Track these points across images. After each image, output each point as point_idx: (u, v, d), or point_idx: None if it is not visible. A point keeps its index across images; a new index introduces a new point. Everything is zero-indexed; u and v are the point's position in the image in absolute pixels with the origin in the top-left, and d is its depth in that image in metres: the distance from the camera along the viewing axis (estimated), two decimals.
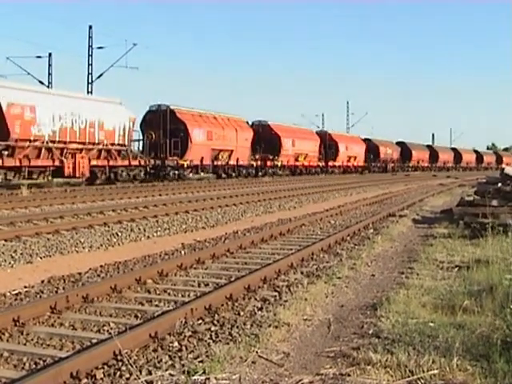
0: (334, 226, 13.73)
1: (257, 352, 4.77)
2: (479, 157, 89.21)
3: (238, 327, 5.49)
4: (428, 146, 76.44)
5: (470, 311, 5.70)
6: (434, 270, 8.17)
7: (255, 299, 6.62)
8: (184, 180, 30.50)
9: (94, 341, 5.05)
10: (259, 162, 39.28)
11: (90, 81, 39.18)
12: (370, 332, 5.34)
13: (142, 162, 28.31)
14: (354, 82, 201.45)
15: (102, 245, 10.57)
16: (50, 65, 39.17)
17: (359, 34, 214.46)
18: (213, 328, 5.48)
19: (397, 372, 4.25)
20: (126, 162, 27.20)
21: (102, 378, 4.25)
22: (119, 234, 11.51)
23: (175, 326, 5.33)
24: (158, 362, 4.57)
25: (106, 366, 4.43)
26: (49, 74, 39.15)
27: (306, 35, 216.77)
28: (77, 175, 24.15)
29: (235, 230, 12.73)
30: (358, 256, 9.25)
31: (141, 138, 30.65)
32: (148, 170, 28.74)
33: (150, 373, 4.34)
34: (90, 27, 39.52)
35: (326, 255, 9.54)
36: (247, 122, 40.01)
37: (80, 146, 24.60)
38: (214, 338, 5.20)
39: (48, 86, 37.14)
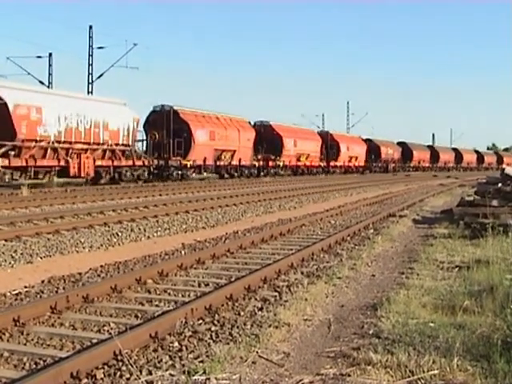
0: (334, 226, 13.73)
1: (257, 352, 4.77)
2: (480, 157, 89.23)
3: (238, 327, 5.49)
4: (429, 147, 76.47)
5: (470, 311, 5.70)
6: (435, 271, 8.17)
7: (255, 299, 6.62)
8: (186, 180, 30.51)
9: (95, 341, 5.05)
10: (261, 162, 39.29)
11: (90, 81, 39.31)
12: (371, 332, 5.34)
13: (146, 162, 28.38)
14: (354, 82, 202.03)
15: (102, 245, 10.57)
16: (50, 65, 39.33)
17: (359, 34, 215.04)
18: (213, 328, 5.47)
19: (397, 372, 4.25)
20: (130, 162, 27.29)
21: (102, 378, 4.24)
22: (119, 233, 11.52)
23: (175, 326, 5.33)
24: (159, 362, 4.57)
25: (106, 366, 4.43)
26: (49, 74, 39.30)
27: (306, 35, 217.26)
28: (82, 175, 24.28)
29: (235, 230, 12.72)
30: (359, 256, 9.24)
31: (144, 138, 30.73)
32: (151, 170, 28.79)
33: (150, 373, 4.34)
34: (91, 27, 39.69)
35: (326, 255, 9.54)
36: (249, 123, 40.00)
37: (85, 147, 24.69)
38: (214, 338, 5.19)
39: (48, 86, 37.21)
